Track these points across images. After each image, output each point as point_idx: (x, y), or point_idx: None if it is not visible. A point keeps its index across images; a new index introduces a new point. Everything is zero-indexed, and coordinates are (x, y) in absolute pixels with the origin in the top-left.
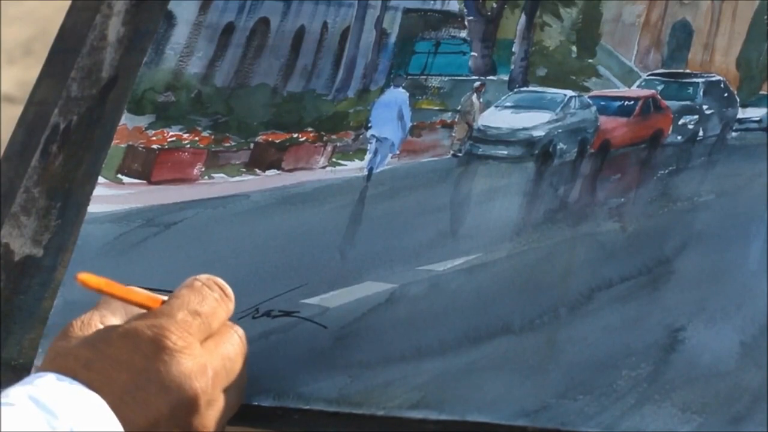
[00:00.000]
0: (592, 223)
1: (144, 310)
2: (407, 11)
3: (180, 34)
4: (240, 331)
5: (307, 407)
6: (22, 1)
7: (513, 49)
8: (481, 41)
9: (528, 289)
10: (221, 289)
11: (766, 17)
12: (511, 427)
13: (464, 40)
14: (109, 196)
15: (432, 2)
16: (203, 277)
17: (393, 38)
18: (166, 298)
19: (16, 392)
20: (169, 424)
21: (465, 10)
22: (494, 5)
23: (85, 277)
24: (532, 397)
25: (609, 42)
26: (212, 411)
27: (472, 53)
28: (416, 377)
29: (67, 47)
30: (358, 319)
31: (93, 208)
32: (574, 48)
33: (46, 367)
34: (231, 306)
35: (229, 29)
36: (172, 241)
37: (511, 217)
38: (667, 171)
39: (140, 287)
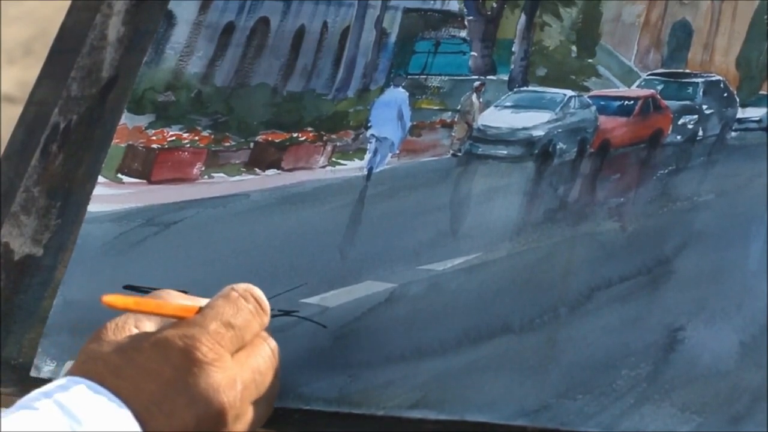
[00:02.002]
0: (591, 222)
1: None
2: (407, 11)
3: (180, 34)
4: (272, 343)
5: (307, 407)
6: (22, 1)
7: (513, 49)
8: (481, 41)
9: (528, 288)
10: (257, 301)
11: (766, 17)
12: (510, 426)
13: (464, 39)
14: (109, 196)
15: (432, 2)
16: (240, 287)
17: (393, 38)
18: (203, 302)
19: (42, 396)
20: None
21: (465, 10)
22: (494, 5)
23: (111, 299)
24: (531, 396)
25: (609, 42)
26: (240, 425)
27: (472, 53)
28: (416, 377)
29: (67, 47)
30: (357, 319)
31: (93, 207)
32: (573, 48)
33: (76, 370)
34: (266, 319)
35: (229, 29)
36: (172, 240)
37: (511, 217)
38: (666, 171)
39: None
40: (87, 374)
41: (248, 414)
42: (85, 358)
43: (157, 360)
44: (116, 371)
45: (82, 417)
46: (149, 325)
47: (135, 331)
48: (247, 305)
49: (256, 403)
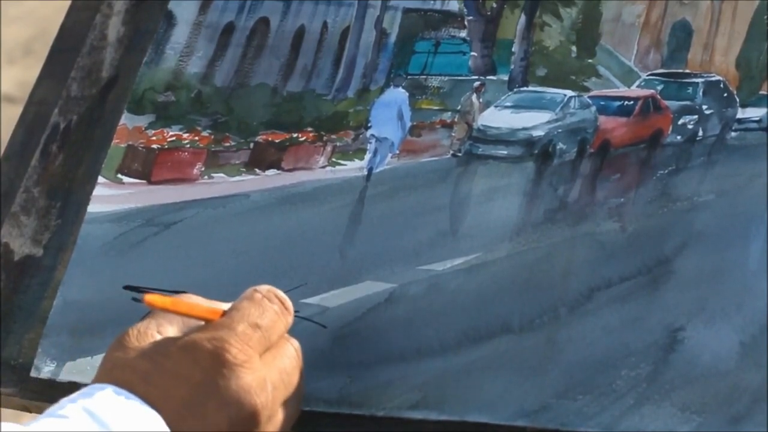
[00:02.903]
0: (591, 222)
1: (203, 322)
2: (407, 11)
3: (180, 34)
4: (296, 343)
5: (307, 408)
6: (22, 1)
7: (513, 49)
8: (480, 41)
9: (527, 288)
10: (281, 301)
11: (766, 17)
12: (510, 427)
13: (464, 40)
14: (109, 196)
15: (432, 2)
16: (263, 288)
17: (393, 38)
18: (226, 307)
19: (72, 403)
20: None
21: (465, 10)
22: (494, 5)
23: (153, 298)
24: (531, 397)
25: (609, 42)
26: (272, 426)
27: (472, 53)
28: (416, 377)
29: (67, 47)
30: (357, 319)
31: (93, 207)
32: (573, 48)
33: (104, 378)
34: (290, 319)
35: (229, 29)
36: (172, 240)
37: (511, 217)
38: (666, 171)
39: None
40: (115, 381)
41: (279, 415)
42: (111, 366)
43: (187, 364)
44: (145, 377)
45: (111, 423)
46: (171, 331)
47: (158, 336)
48: (272, 306)
49: (286, 404)
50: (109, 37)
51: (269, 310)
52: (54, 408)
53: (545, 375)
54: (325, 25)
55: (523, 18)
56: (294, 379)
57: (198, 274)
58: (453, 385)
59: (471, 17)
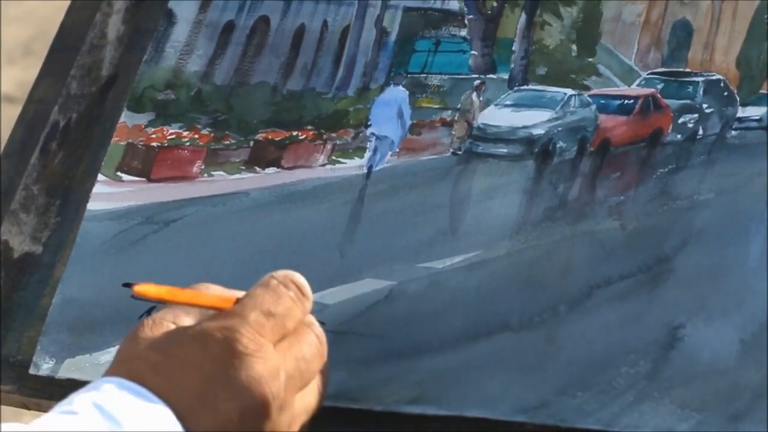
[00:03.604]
0: (591, 221)
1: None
2: (407, 10)
3: (180, 33)
4: (318, 329)
5: None
6: (22, 1)
7: (513, 48)
8: (481, 40)
9: (527, 286)
10: (298, 287)
11: (766, 16)
12: (509, 423)
13: (464, 38)
14: (109, 194)
15: (432, 1)
16: (279, 274)
17: (393, 37)
18: (241, 294)
19: (81, 398)
20: (239, 430)
21: (465, 9)
22: (494, 4)
23: (144, 289)
24: (530, 393)
25: (609, 41)
26: (285, 416)
27: (472, 52)
28: (415, 374)
29: (67, 45)
30: (357, 316)
31: (92, 205)
32: (574, 47)
33: (115, 370)
34: (308, 305)
35: (229, 27)
36: (172, 238)
37: (511, 215)
38: (666, 169)
39: (212, 284)
40: (125, 373)
41: (294, 405)
42: (123, 357)
43: (197, 354)
44: (155, 368)
45: (121, 418)
46: (187, 320)
47: (172, 327)
48: (288, 292)
49: (305, 394)
50: (109, 35)
51: (284, 296)
52: (63, 403)
53: (544, 372)
54: (325, 23)
55: (523, 17)
56: (313, 366)
57: (197, 272)
58: (452, 382)
59: (471, 16)
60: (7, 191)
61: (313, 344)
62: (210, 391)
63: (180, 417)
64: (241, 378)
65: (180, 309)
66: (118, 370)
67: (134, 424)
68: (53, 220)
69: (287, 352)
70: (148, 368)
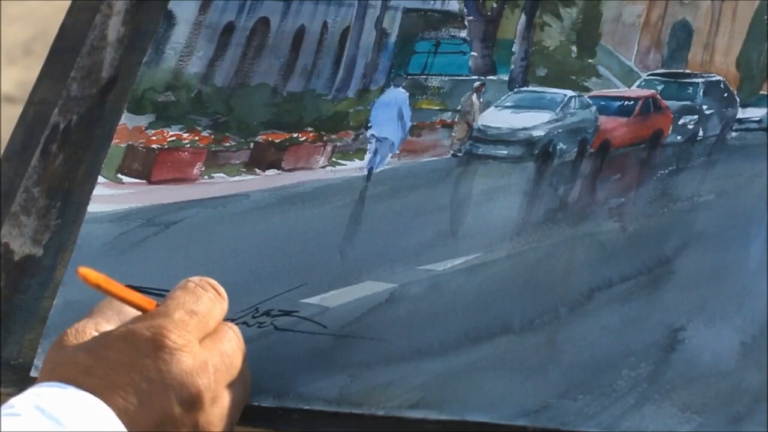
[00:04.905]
0: (592, 223)
1: (139, 313)
2: (407, 11)
3: (180, 34)
4: (235, 327)
5: (307, 407)
6: (22, 1)
7: (513, 49)
8: (481, 41)
9: (528, 288)
10: (214, 289)
11: (766, 17)
12: (511, 426)
13: (464, 40)
14: (109, 196)
15: (432, 2)
16: (196, 278)
17: (393, 38)
18: (161, 300)
19: (22, 401)
20: (175, 423)
21: (465, 10)
22: (494, 5)
23: (86, 271)
24: (532, 396)
25: (609, 42)
26: (217, 408)
27: (472, 53)
28: (416, 377)
29: (67, 47)
30: (357, 319)
31: (93, 207)
32: (574, 48)
33: (47, 378)
34: (225, 305)
35: (229, 29)
36: (172, 240)
37: (511, 217)
38: (667, 171)
39: (136, 288)
40: (59, 379)
41: (224, 398)
42: (52, 365)
43: (127, 353)
44: (87, 371)
45: (63, 419)
46: (108, 327)
47: (95, 333)
48: (206, 293)
49: (231, 387)
50: (109, 37)
51: (204, 297)
52: (4, 407)
53: (545, 375)
54: (325, 25)
55: (523, 18)
56: (236, 361)
57: (198, 273)
58: (453, 385)
59: (471, 17)
60: (8, 193)
61: (233, 339)
62: (143, 387)
63: (118, 414)
64: (173, 372)
65: (101, 317)
66: (50, 376)
67: (75, 422)
68: (54, 223)
69: (212, 348)
70: (80, 371)
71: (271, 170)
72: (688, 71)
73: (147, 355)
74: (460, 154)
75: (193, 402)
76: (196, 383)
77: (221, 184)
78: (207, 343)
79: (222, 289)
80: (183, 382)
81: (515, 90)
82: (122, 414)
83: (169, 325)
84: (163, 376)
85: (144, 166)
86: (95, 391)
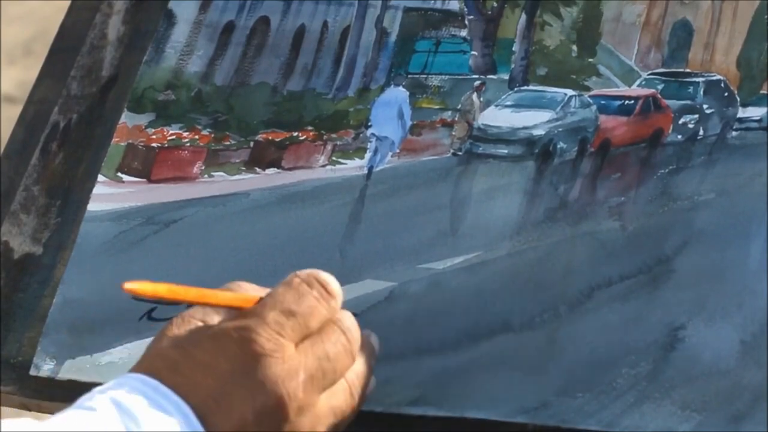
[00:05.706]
0: (592, 221)
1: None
2: (408, 10)
3: (180, 33)
4: (347, 327)
5: None
6: (22, 1)
7: (513, 49)
8: (481, 40)
9: (528, 287)
10: (322, 285)
11: (766, 17)
12: (510, 424)
13: (464, 39)
14: (109, 195)
15: (432, 1)
16: (303, 272)
17: (393, 37)
18: (265, 293)
19: (100, 395)
20: (256, 431)
21: (465, 9)
22: (494, 4)
23: (134, 286)
24: (531, 394)
25: (609, 41)
26: (306, 418)
27: (473, 52)
28: (416, 375)
29: (67, 46)
30: (357, 317)
31: (93, 206)
32: (574, 47)
33: (138, 367)
34: (334, 303)
35: (229, 28)
36: (172, 239)
37: (511, 216)
38: (667, 170)
39: (244, 282)
40: (146, 370)
41: (318, 405)
42: (147, 354)
43: (214, 354)
44: (174, 367)
45: (139, 416)
46: (216, 319)
47: (200, 324)
48: (311, 291)
49: (331, 394)
50: (109, 36)
51: (307, 295)
52: (83, 399)
53: (545, 373)
54: (325, 24)
55: (523, 17)
56: (339, 366)
57: (198, 272)
58: (453, 383)
59: (471, 16)
60: (8, 192)
61: (338, 343)
62: (225, 390)
63: (197, 416)
64: (257, 378)
65: (212, 307)
66: (139, 366)
67: (151, 422)
68: (53, 221)
69: (309, 352)
70: (167, 366)
71: (271, 169)
72: (688, 70)
73: (233, 359)
74: (460, 153)
75: (275, 411)
76: (278, 392)
77: (221, 182)
78: (305, 346)
79: (332, 286)
80: (266, 390)
81: (515, 89)
82: (202, 416)
83: (258, 327)
84: (247, 383)
85: (144, 164)
86: (178, 388)
